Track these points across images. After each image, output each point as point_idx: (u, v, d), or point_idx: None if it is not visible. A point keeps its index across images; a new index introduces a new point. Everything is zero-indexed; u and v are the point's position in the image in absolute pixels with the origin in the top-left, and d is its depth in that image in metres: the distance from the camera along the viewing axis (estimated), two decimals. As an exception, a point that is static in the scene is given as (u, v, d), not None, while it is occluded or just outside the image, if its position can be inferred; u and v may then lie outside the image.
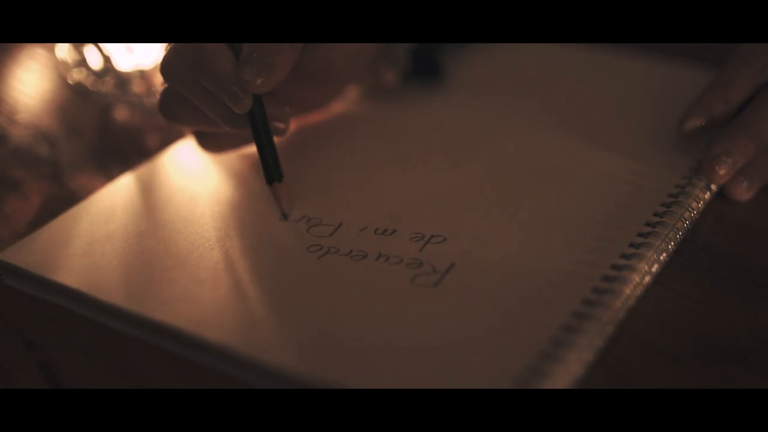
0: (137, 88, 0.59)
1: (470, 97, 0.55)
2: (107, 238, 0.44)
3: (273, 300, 0.40)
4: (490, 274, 0.40)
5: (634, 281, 0.39)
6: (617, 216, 0.43)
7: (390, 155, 0.50)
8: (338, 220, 0.44)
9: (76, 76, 0.60)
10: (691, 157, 0.46)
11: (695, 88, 0.47)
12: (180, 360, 0.38)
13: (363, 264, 0.41)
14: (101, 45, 0.58)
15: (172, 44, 0.45)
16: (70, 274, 0.42)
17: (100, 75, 0.59)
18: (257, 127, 0.44)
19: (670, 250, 0.41)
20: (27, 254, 0.44)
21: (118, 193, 0.48)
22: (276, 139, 0.45)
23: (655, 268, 0.40)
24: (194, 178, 0.49)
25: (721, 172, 0.44)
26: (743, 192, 0.45)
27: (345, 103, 0.55)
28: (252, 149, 0.49)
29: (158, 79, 0.54)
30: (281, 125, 0.46)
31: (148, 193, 0.48)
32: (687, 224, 0.42)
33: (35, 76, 0.65)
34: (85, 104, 0.60)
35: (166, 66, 0.45)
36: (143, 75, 0.59)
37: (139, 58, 0.58)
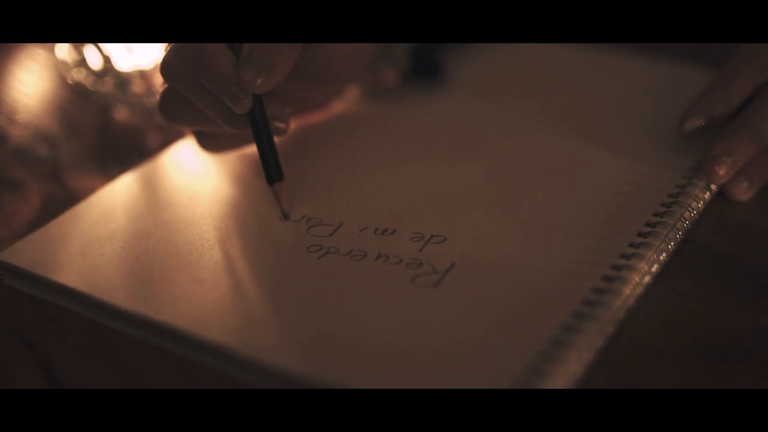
0: (137, 88, 0.59)
1: (470, 97, 0.55)
2: (107, 238, 0.45)
3: (273, 300, 0.40)
4: (490, 274, 0.40)
5: (634, 281, 0.39)
6: (617, 216, 0.43)
7: (390, 155, 0.50)
8: (338, 220, 0.44)
9: (76, 76, 0.60)
10: (691, 157, 0.46)
11: (695, 88, 0.47)
12: (180, 360, 0.38)
13: (363, 264, 0.41)
14: (101, 45, 0.58)
15: (172, 44, 0.45)
16: (70, 274, 0.42)
17: (99, 75, 0.59)
18: (257, 127, 0.44)
19: (670, 250, 0.41)
20: (27, 254, 0.44)
21: (118, 193, 0.48)
22: (276, 139, 0.45)
23: (655, 268, 0.40)
24: (194, 178, 0.49)
25: (721, 172, 0.44)
26: (743, 192, 0.45)
27: (345, 103, 0.55)
28: (252, 149, 0.49)
29: (158, 79, 0.54)
30: (281, 125, 0.46)
31: (148, 193, 0.48)
32: (687, 224, 0.42)
33: (35, 76, 0.65)
34: (85, 104, 0.60)
35: (166, 66, 0.45)
36: (143, 75, 0.59)
37: (139, 58, 0.58)
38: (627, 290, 0.38)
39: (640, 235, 0.41)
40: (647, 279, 0.40)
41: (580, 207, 0.44)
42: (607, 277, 0.39)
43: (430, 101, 0.55)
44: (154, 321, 0.39)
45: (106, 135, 0.57)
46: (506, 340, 0.36)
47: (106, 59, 0.58)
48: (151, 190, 0.49)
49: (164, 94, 0.47)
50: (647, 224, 0.42)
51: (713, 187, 0.45)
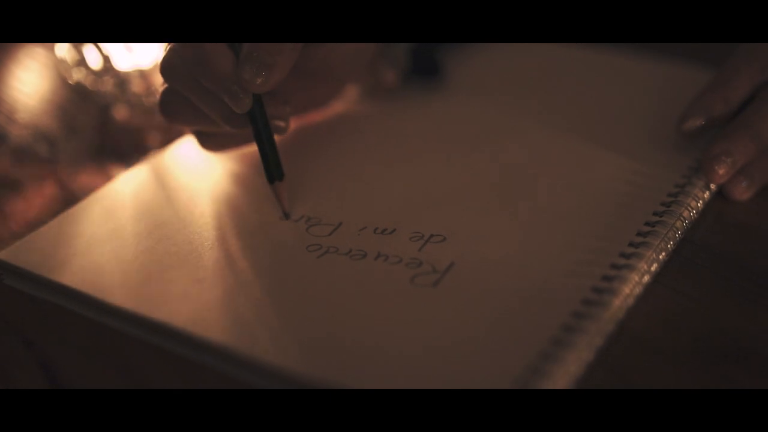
0: (137, 87, 0.59)
1: (470, 97, 0.55)
2: (107, 237, 0.44)
3: (272, 300, 0.40)
4: (489, 273, 0.40)
5: (634, 280, 0.39)
6: (617, 215, 0.43)
7: (390, 155, 0.50)
8: (338, 220, 0.44)
9: (76, 75, 0.60)
10: (690, 156, 0.46)
11: (695, 88, 0.47)
12: (179, 360, 0.38)
13: (362, 263, 0.41)
14: (101, 45, 0.58)
15: (172, 44, 0.45)
16: (70, 273, 0.42)
17: (99, 74, 0.59)
18: (258, 126, 0.44)
19: (670, 249, 0.41)
20: (27, 254, 0.44)
21: (118, 192, 0.48)
22: (276, 138, 0.45)
23: (654, 267, 0.40)
24: (193, 177, 0.49)
25: (721, 171, 0.44)
26: (743, 192, 0.45)
27: (345, 102, 0.55)
28: (252, 148, 0.49)
29: (158, 79, 0.54)
30: (282, 124, 0.46)
31: (147, 192, 0.48)
32: (686, 224, 0.43)
33: (35, 75, 0.65)
34: (85, 104, 0.60)
35: (166, 66, 0.45)
36: (143, 74, 0.59)
37: (139, 57, 0.58)
38: (627, 290, 0.38)
39: (639, 234, 0.41)
40: (647, 278, 0.40)
41: (580, 206, 0.44)
42: (606, 277, 0.39)
43: (430, 101, 0.55)
44: (153, 320, 0.39)
45: (106, 134, 0.57)
46: (506, 340, 0.36)
47: (106, 59, 0.58)
48: (151, 189, 0.49)
49: (164, 93, 0.47)
50: (647, 223, 0.42)
51: (713, 186, 0.45)
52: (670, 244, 0.41)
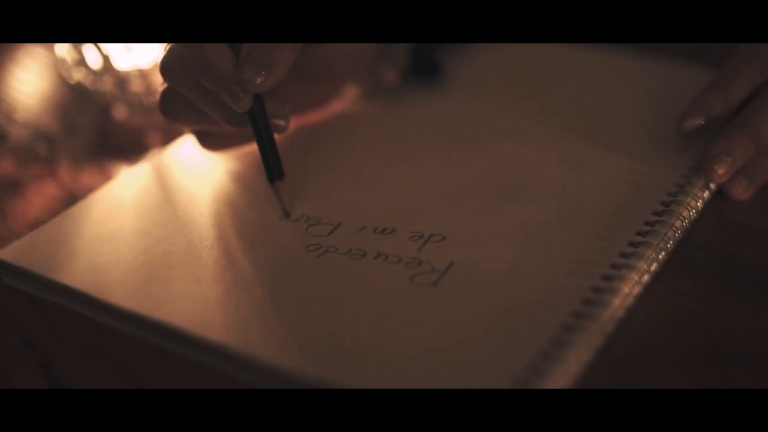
0: (136, 87, 0.59)
1: (470, 97, 0.55)
2: (106, 237, 0.44)
3: (272, 299, 0.40)
4: (489, 273, 0.40)
5: (633, 280, 0.39)
6: (617, 215, 0.43)
7: (389, 154, 0.50)
8: (337, 219, 0.44)
9: (75, 75, 0.60)
10: (690, 156, 0.46)
11: (695, 88, 0.47)
12: (179, 359, 0.38)
13: (362, 263, 0.41)
14: (100, 44, 0.58)
15: (172, 44, 0.45)
16: (70, 273, 0.42)
17: (99, 74, 0.59)
18: (258, 125, 0.44)
19: (670, 249, 0.41)
20: (26, 253, 0.44)
21: (117, 192, 0.48)
22: (276, 137, 0.45)
23: (654, 267, 0.40)
24: (193, 177, 0.49)
25: (721, 171, 0.44)
26: (742, 191, 0.45)
27: (345, 102, 0.55)
28: (251, 148, 0.49)
29: (157, 78, 0.54)
30: (282, 122, 0.46)
31: (147, 192, 0.48)
32: (686, 223, 0.43)
33: (34, 75, 0.65)
34: (84, 103, 0.60)
35: (165, 66, 0.45)
36: (142, 74, 0.59)
37: (138, 57, 0.58)
38: (626, 289, 0.38)
39: (639, 234, 0.41)
40: (647, 278, 0.40)
41: (580, 206, 0.44)
42: (606, 276, 0.39)
43: (430, 101, 0.55)
44: (153, 320, 0.39)
45: (106, 134, 0.57)
46: (506, 340, 0.36)
47: (106, 58, 0.58)
48: (151, 189, 0.49)
49: (164, 93, 0.47)
50: (647, 223, 0.42)
51: (712, 186, 0.45)
52: (670, 244, 0.41)
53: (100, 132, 0.57)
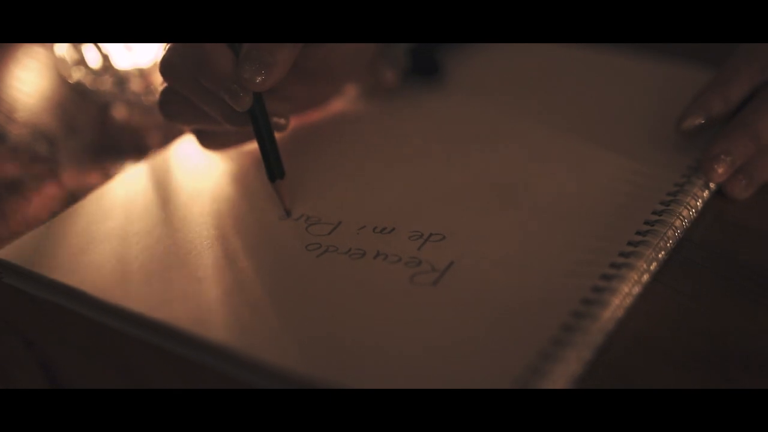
0: (136, 86, 0.59)
1: (470, 97, 0.55)
2: (106, 236, 0.44)
3: (272, 299, 0.40)
4: (489, 273, 0.40)
5: (633, 279, 0.39)
6: (616, 215, 0.43)
7: (389, 154, 0.50)
8: (337, 219, 0.44)
9: (75, 74, 0.60)
10: (690, 156, 0.46)
11: (695, 88, 0.47)
12: (179, 360, 0.38)
13: (362, 263, 0.41)
14: (100, 44, 0.58)
15: (172, 43, 0.45)
16: (70, 272, 0.42)
17: (99, 73, 0.59)
18: (258, 124, 0.44)
19: (669, 248, 0.41)
20: (26, 253, 0.44)
21: (117, 191, 0.48)
22: (276, 135, 0.45)
23: (654, 266, 0.40)
24: (193, 176, 0.49)
25: (720, 170, 0.44)
26: (742, 190, 0.45)
27: (344, 101, 0.55)
28: (251, 147, 0.49)
29: (157, 78, 0.54)
30: (282, 121, 0.46)
31: (147, 191, 0.48)
32: (686, 222, 0.43)
33: (34, 74, 0.65)
34: (84, 103, 0.60)
35: (165, 65, 0.45)
36: (142, 73, 0.59)
37: (138, 56, 0.58)
38: (626, 289, 0.38)
39: (639, 233, 0.41)
40: (646, 277, 0.40)
41: (580, 206, 0.44)
42: (606, 276, 0.39)
43: (430, 100, 0.55)
44: (153, 320, 0.39)
45: (105, 133, 0.57)
46: (506, 340, 0.36)
47: (105, 58, 0.58)
48: (150, 188, 0.49)
49: (164, 93, 0.47)
50: (646, 222, 0.42)
51: (712, 185, 0.45)
52: (670, 243, 0.41)
53: (100, 132, 0.57)
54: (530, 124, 0.51)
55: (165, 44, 0.46)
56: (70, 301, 0.42)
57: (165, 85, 0.46)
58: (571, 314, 0.37)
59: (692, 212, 0.43)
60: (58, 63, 0.62)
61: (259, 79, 0.42)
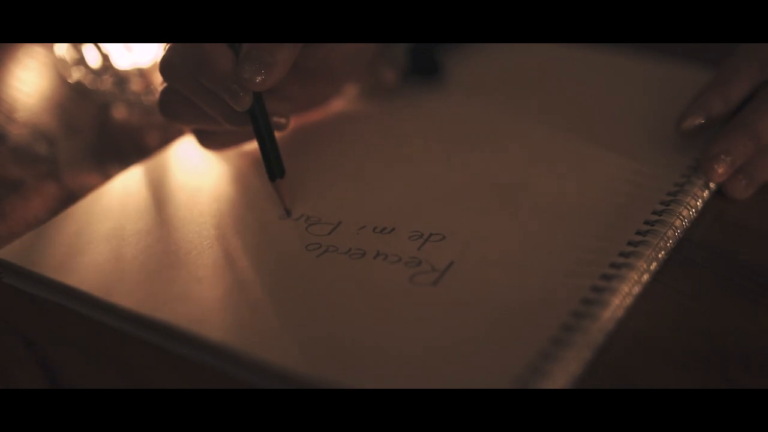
0: (136, 86, 0.59)
1: (470, 97, 0.55)
2: (106, 236, 0.44)
3: (272, 299, 0.40)
4: (489, 273, 0.40)
5: (633, 279, 0.39)
6: (616, 215, 0.43)
7: (389, 154, 0.50)
8: (337, 219, 0.44)
9: (75, 74, 0.60)
10: (690, 156, 0.46)
11: (695, 88, 0.47)
12: (179, 359, 0.38)
13: (361, 262, 0.41)
14: (100, 44, 0.58)
15: (172, 44, 0.45)
16: (70, 272, 0.42)
17: (98, 73, 0.59)
18: (258, 123, 0.44)
19: (669, 248, 0.41)
20: (26, 253, 0.44)
21: (117, 191, 0.48)
22: (276, 135, 0.45)
23: (654, 266, 0.40)
24: (193, 176, 0.49)
25: (720, 170, 0.44)
26: (742, 190, 0.45)
27: (344, 101, 0.55)
28: (250, 147, 0.49)
29: (157, 77, 0.54)
30: (282, 120, 0.46)
31: (147, 191, 0.48)
32: (686, 222, 0.43)
33: (34, 74, 0.65)
34: (84, 103, 0.60)
35: (165, 65, 0.45)
36: (142, 73, 0.59)
37: (138, 56, 0.58)
38: (626, 288, 0.38)
39: (639, 233, 0.41)
40: (646, 277, 0.40)
41: (580, 206, 0.44)
42: (606, 276, 0.39)
43: (430, 100, 0.55)
44: (153, 320, 0.39)
45: (105, 133, 0.57)
46: (506, 340, 0.36)
47: (105, 57, 0.58)
48: (150, 188, 0.49)
49: (164, 93, 0.47)
50: (646, 222, 0.42)
51: (712, 185, 0.45)
52: (670, 243, 0.41)
53: (99, 131, 0.57)
54: (530, 124, 0.51)
55: (165, 44, 0.46)
56: (70, 301, 0.42)
57: (165, 85, 0.46)
58: (571, 314, 0.37)
59: (692, 212, 0.43)
60: (58, 63, 0.62)
61: (259, 79, 0.42)
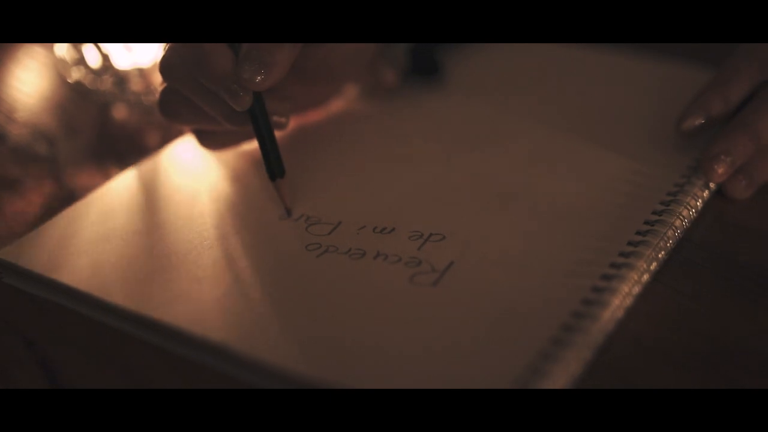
0: (136, 86, 0.59)
1: (470, 97, 0.55)
2: (106, 236, 0.44)
3: (272, 299, 0.40)
4: (489, 273, 0.40)
5: (633, 279, 0.39)
6: (616, 215, 0.43)
7: (389, 154, 0.50)
8: (337, 219, 0.44)
9: (75, 74, 0.60)
10: (690, 156, 0.46)
11: (695, 88, 0.47)
12: (179, 359, 0.38)
13: (361, 263, 0.41)
14: (100, 44, 0.58)
15: (171, 44, 0.45)
16: (69, 272, 0.42)
17: (98, 73, 0.59)
18: (258, 123, 0.44)
19: (669, 248, 0.41)
20: (26, 253, 0.44)
21: (117, 191, 0.48)
22: (276, 134, 0.45)
23: (654, 266, 0.40)
24: (193, 176, 0.49)
25: (720, 170, 0.44)
26: (742, 190, 0.45)
27: (344, 101, 0.55)
28: (250, 146, 0.49)
29: (157, 77, 0.54)
30: (282, 120, 0.46)
31: (147, 191, 0.48)
32: (686, 222, 0.43)
33: (34, 74, 0.65)
34: (84, 103, 0.60)
35: (165, 65, 0.45)
36: (142, 73, 0.59)
37: (138, 56, 0.58)
38: (626, 289, 0.38)
39: (639, 233, 0.41)
40: (646, 277, 0.40)
41: (580, 206, 0.44)
42: (605, 276, 0.39)
43: (430, 100, 0.55)
44: (153, 320, 0.39)
45: (105, 133, 0.57)
46: (506, 340, 0.36)
47: (105, 57, 0.58)
48: (150, 188, 0.49)
49: (163, 93, 0.47)
50: (646, 222, 0.42)
51: (712, 185, 0.45)
52: (670, 243, 0.41)
53: (99, 131, 0.57)
54: (530, 123, 0.51)
55: (165, 44, 0.46)
56: (70, 301, 0.42)
57: (165, 85, 0.46)
58: (571, 314, 0.37)
59: (692, 212, 0.43)
60: (58, 63, 0.62)
61: (258, 79, 0.42)
